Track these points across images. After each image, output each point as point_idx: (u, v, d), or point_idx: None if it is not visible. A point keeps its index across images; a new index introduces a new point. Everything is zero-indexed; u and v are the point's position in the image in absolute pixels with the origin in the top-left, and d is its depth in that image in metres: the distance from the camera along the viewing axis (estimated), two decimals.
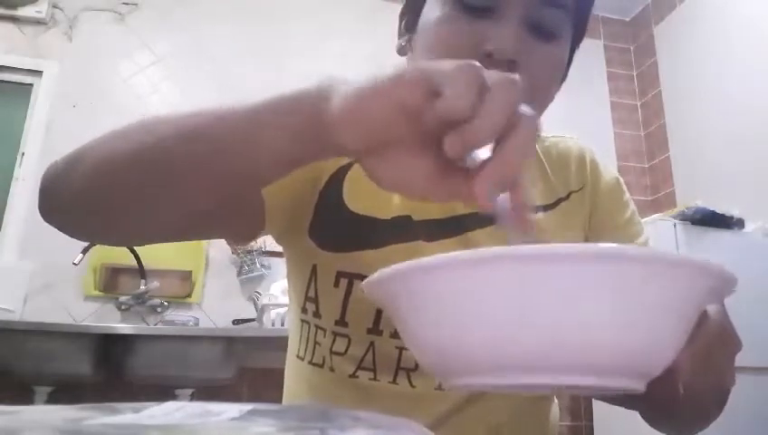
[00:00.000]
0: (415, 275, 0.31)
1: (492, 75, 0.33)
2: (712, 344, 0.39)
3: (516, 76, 0.33)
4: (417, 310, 0.32)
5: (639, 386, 0.31)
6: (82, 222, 0.50)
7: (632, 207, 0.72)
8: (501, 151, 0.33)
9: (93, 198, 0.46)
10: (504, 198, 0.34)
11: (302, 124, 0.37)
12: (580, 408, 2.80)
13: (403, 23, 0.65)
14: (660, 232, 2.25)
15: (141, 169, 0.43)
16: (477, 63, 0.33)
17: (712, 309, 0.39)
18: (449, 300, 0.30)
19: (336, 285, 0.61)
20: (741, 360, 0.45)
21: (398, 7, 0.66)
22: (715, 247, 2.28)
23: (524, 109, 0.33)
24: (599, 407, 2.62)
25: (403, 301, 0.33)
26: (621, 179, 0.74)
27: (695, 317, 0.32)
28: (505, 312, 0.28)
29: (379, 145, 0.35)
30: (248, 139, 0.39)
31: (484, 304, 0.28)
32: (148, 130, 0.43)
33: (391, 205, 0.62)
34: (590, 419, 2.70)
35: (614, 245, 0.28)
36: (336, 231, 0.62)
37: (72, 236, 0.52)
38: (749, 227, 2.43)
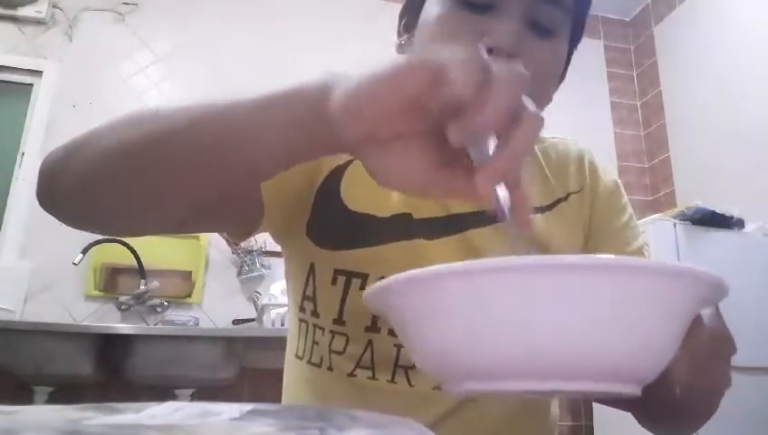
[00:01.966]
0: (421, 284, 0.31)
1: (498, 63, 0.32)
2: (706, 348, 0.39)
3: (522, 68, 0.33)
4: (419, 317, 0.32)
5: (636, 391, 0.32)
6: (84, 208, 0.49)
7: (630, 210, 0.72)
8: (506, 145, 0.32)
9: (99, 183, 0.45)
10: (504, 194, 0.34)
11: (303, 120, 0.37)
12: (580, 408, 2.80)
13: (402, 22, 0.65)
14: (660, 232, 2.25)
15: (153, 154, 0.42)
16: (483, 49, 0.33)
17: (705, 313, 0.39)
18: (451, 308, 0.30)
19: (333, 283, 0.61)
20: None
21: (398, 7, 0.67)
22: (714, 247, 2.27)
23: (529, 104, 0.33)
24: (599, 407, 2.62)
25: (406, 308, 0.33)
26: (620, 183, 0.73)
27: (687, 323, 0.32)
28: (507, 320, 0.28)
29: (380, 139, 0.35)
30: (247, 134, 0.39)
31: (484, 312, 0.29)
32: (160, 118, 0.43)
33: (390, 203, 0.62)
34: (590, 419, 2.70)
35: (612, 257, 0.30)
36: (333, 229, 0.62)
37: (69, 224, 0.50)
38: (749, 227, 2.42)
